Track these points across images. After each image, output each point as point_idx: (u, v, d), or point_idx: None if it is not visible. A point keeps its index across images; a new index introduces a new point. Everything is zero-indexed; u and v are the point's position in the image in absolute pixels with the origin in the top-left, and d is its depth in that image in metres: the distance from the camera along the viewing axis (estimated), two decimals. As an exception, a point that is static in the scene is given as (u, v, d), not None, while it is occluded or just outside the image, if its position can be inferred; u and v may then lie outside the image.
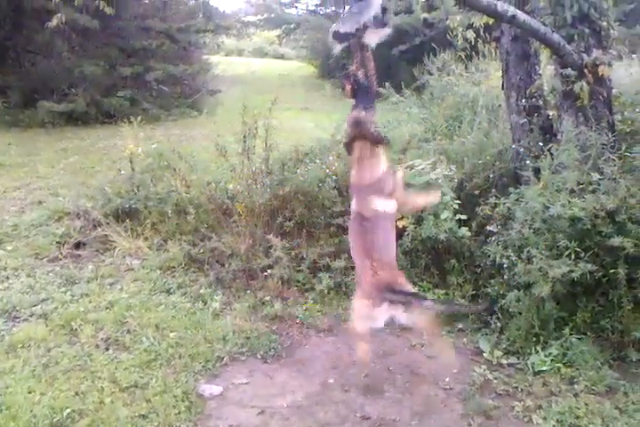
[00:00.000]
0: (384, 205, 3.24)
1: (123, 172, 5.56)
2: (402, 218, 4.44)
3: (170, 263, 4.68)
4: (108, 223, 5.10)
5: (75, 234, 5.12)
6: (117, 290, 4.32)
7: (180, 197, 5.13)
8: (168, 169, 5.41)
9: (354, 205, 3.34)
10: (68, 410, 2.95)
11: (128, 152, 5.53)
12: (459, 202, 4.33)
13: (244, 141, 4.89)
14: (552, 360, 3.37)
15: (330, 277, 4.35)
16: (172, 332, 3.75)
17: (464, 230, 4.19)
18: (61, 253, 4.86)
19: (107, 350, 3.58)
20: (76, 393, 3.12)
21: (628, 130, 4.55)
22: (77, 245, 5.05)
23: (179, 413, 3.01)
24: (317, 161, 5.13)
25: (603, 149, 4.01)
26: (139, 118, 5.91)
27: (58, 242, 5.03)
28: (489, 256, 3.94)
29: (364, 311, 3.11)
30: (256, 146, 4.96)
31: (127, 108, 9.58)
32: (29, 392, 3.11)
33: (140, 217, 5.16)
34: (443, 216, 4.24)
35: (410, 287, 3.23)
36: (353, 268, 4.34)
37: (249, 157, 4.92)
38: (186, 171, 5.26)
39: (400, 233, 4.37)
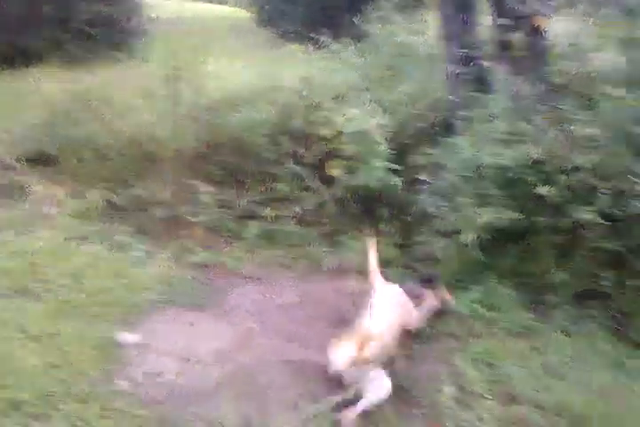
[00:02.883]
0: None
1: (39, 114, 5.18)
2: (334, 167, 4.36)
3: (88, 212, 4.44)
4: (22, 168, 4.78)
5: (-16, 179, 4.79)
6: (31, 238, 4.07)
7: (101, 143, 4.84)
8: (88, 112, 5.08)
9: None
10: (-28, 361, 2.76)
11: (46, 94, 5.15)
12: (391, 151, 4.27)
13: (172, 85, 4.63)
14: (474, 305, 3.41)
15: (258, 225, 4.24)
16: (88, 280, 3.56)
17: (396, 179, 4.15)
18: (-30, 200, 4.54)
19: (16, 299, 3.37)
20: (-18, 344, 2.93)
21: (560, 82, 4.56)
22: (-12, 192, 4.73)
23: (93, 361, 2.87)
24: (248, 107, 4.93)
25: (535, 100, 4.01)
26: (60, 59, 5.51)
27: (-34, 188, 4.69)
28: (419, 205, 3.93)
29: None
30: (185, 91, 4.70)
31: (50, 50, 8.93)
32: None
33: (56, 162, 4.86)
34: (375, 165, 4.18)
35: None
36: (282, 216, 4.28)
37: (176, 102, 4.68)
38: (108, 114, 4.96)
39: (332, 181, 4.30)
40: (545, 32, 4.33)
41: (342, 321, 3.36)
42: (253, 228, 4.22)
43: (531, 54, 4.26)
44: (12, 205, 4.55)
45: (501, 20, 4.13)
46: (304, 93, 4.86)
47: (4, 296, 3.38)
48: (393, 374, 2.79)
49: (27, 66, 8.73)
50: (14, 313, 3.20)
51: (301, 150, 4.45)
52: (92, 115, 4.99)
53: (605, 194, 3.26)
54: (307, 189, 4.34)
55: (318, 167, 4.44)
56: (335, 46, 7.20)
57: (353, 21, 8.26)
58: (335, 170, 4.34)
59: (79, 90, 5.40)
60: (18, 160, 4.85)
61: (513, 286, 3.49)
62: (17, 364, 2.77)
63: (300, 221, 4.30)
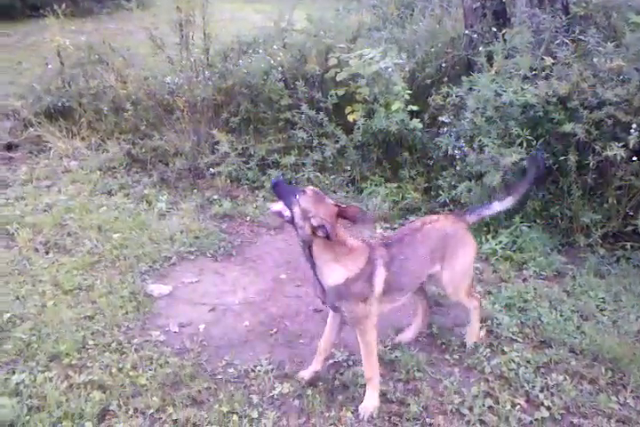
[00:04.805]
0: None
1: (50, 66, 5.10)
2: (352, 111, 4.27)
3: (110, 164, 4.43)
4: (40, 123, 4.76)
5: (4, 135, 4.77)
6: (55, 192, 4.09)
7: (115, 94, 4.78)
8: (101, 64, 5.00)
9: None
10: (8, 314, 2.83)
11: (55, 45, 5.04)
12: (410, 92, 4.16)
13: (181, 30, 4.49)
14: (502, 248, 3.40)
15: (280, 173, 4.21)
16: (115, 233, 3.60)
17: (416, 122, 4.05)
18: (-9, 156, 4.54)
19: (47, 253, 3.42)
20: (17, 297, 2.99)
21: (582, 13, 4.37)
22: (9, 147, 4.73)
23: (126, 313, 2.94)
24: (261, 52, 4.81)
25: (556, 32, 3.86)
26: (66, 9, 5.34)
27: (-13, 144, 4.69)
28: (441, 148, 3.86)
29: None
30: (195, 37, 4.57)
31: (55, 0, 8.71)
32: (-35, 298, 2.98)
33: (74, 116, 4.83)
34: (394, 107, 4.08)
35: None
36: (303, 164, 4.23)
37: (187, 48, 4.56)
38: (120, 65, 4.87)
39: (350, 127, 4.22)
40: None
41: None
42: (274, 176, 4.18)
43: (550, -16, 4.07)
44: (34, 160, 4.55)
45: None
46: (317, 35, 4.70)
47: (35, 251, 3.43)
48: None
49: (31, 16, 8.59)
50: (47, 267, 3.26)
51: (318, 95, 4.34)
52: (105, 66, 4.89)
53: (635, 129, 3.15)
54: (325, 135, 4.26)
55: (336, 112, 4.35)
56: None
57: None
58: (353, 114, 4.25)
59: (90, 41, 5.28)
60: (36, 115, 4.80)
61: (542, 228, 3.46)
62: (53, 317, 2.83)
63: (321, 168, 4.26)
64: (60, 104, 4.86)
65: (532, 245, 3.37)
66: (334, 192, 4.09)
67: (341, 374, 2.57)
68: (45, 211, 3.85)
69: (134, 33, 7.15)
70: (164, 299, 3.11)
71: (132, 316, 2.93)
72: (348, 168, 4.23)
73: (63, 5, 5.23)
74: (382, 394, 2.41)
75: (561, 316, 2.91)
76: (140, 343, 2.74)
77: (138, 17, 5.15)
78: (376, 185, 4.07)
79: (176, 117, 4.50)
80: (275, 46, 4.76)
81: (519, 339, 2.77)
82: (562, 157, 3.35)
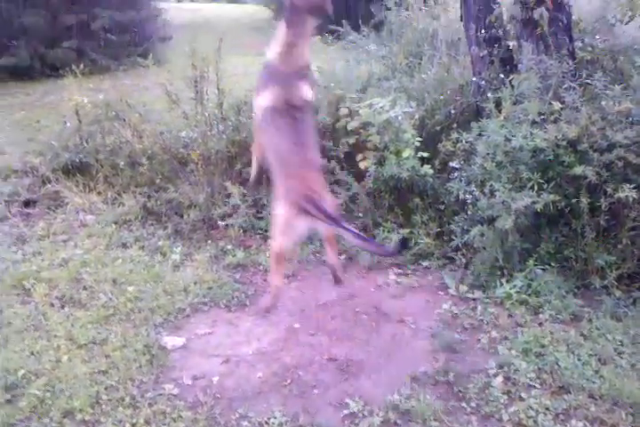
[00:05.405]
0: (311, 95, 2.99)
1: (68, 124, 5.26)
2: (363, 159, 4.33)
3: (125, 217, 4.49)
4: (57, 179, 4.86)
5: (23, 192, 4.88)
6: (71, 247, 4.14)
7: (132, 149, 4.89)
8: (118, 120, 5.14)
9: (275, 95, 2.96)
10: (23, 371, 2.83)
11: (73, 103, 5.21)
12: (420, 139, 4.22)
13: (196, 86, 4.64)
14: (517, 292, 3.36)
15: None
16: (130, 286, 3.61)
17: (427, 168, 4.09)
18: (10, 212, 4.62)
19: (62, 308, 3.44)
20: (31, 353, 2.99)
21: (588, 57, 4.44)
22: (27, 204, 4.81)
23: (140, 366, 2.92)
24: (273, 104, 4.92)
25: (564, 77, 3.92)
26: (84, 68, 5.53)
27: (6, 201, 4.78)
28: (452, 193, 3.87)
29: (284, 222, 2.91)
30: (209, 92, 4.71)
31: (74, 60, 8.93)
32: (-19, 355, 2.99)
33: (91, 171, 4.93)
34: (405, 155, 4.14)
35: (332, 206, 2.98)
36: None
37: (202, 103, 4.68)
38: (137, 121, 5.00)
39: (362, 174, 4.27)
40: (569, 6, 4.22)
41: (383, 316, 3.37)
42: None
43: (555, 31, 4.16)
44: (51, 216, 4.63)
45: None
46: (327, 87, 4.82)
47: (51, 306, 3.45)
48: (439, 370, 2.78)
49: (50, 76, 8.92)
50: (62, 322, 3.27)
51: (329, 144, 4.41)
52: (121, 122, 5.03)
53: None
54: (337, 182, 4.31)
55: (347, 160, 4.41)
56: (354, 36, 7.17)
57: (371, 11, 8.24)
58: (364, 162, 4.30)
59: (107, 98, 5.46)
60: (54, 171, 4.92)
61: (556, 271, 3.41)
62: (67, 372, 2.83)
63: (333, 215, 4.27)
64: (77, 160, 4.97)
65: (547, 289, 3.32)
66: (345, 239, 4.09)
67: (357, 425, 2.51)
68: (61, 265, 3.89)
69: (150, 89, 7.40)
70: (178, 351, 3.10)
71: (146, 369, 2.91)
72: (361, 215, 4.25)
73: (81, 65, 5.41)
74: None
75: (579, 360, 2.84)
76: (154, 397, 2.71)
77: (153, 73, 5.32)
78: (389, 231, 4.08)
79: (190, 170, 4.58)
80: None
81: (537, 385, 2.70)
82: (574, 200, 3.35)
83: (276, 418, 2.56)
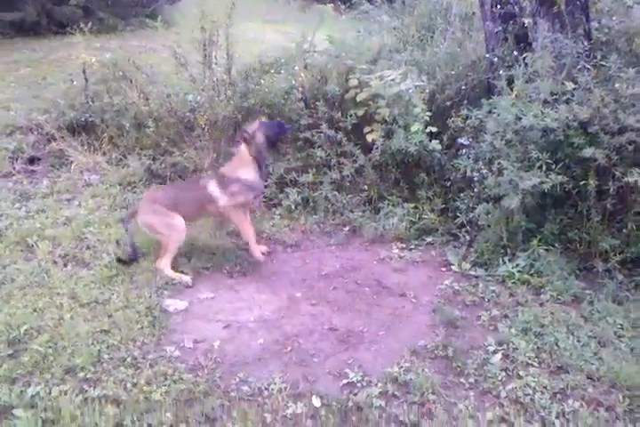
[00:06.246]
0: None
1: (75, 82, 5.20)
2: (371, 131, 4.30)
3: (130, 179, 4.48)
4: (62, 137, 4.84)
5: (28, 149, 4.86)
6: (75, 206, 4.14)
7: (138, 110, 4.85)
8: (124, 80, 5.08)
9: None
10: (26, 326, 2.86)
11: (81, 62, 5.14)
12: (430, 114, 4.17)
13: (205, 49, 4.56)
14: (519, 271, 3.38)
15: (297, 191, 4.23)
16: (133, 248, 3.62)
17: (435, 143, 4.06)
18: (14, 169, 4.61)
19: (65, 266, 3.46)
20: (34, 310, 3.02)
21: (604, 39, 4.36)
22: (31, 161, 4.80)
23: (142, 327, 2.95)
24: (282, 72, 4.86)
25: (578, 57, 3.85)
26: (91, 26, 5.44)
27: (10, 157, 4.77)
28: (459, 169, 3.86)
29: None
30: (217, 56, 4.64)
31: (81, 18, 8.83)
32: (-17, 309, 3.01)
33: (96, 131, 4.90)
34: (413, 129, 4.09)
35: None
36: (321, 183, 4.25)
37: (210, 67, 4.62)
38: (143, 82, 4.94)
39: (369, 147, 4.25)
40: (587, -15, 4.14)
41: (385, 289, 3.39)
42: (292, 195, 4.21)
43: (572, 10, 4.08)
44: (55, 174, 4.61)
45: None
46: (338, 56, 4.75)
47: (54, 263, 3.47)
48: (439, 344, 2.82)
49: (57, 33, 8.77)
50: (65, 280, 3.29)
51: (337, 115, 4.37)
52: (128, 83, 4.97)
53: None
54: (344, 154, 4.28)
55: (355, 132, 4.37)
56: (366, 6, 7.04)
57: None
58: (372, 135, 4.27)
59: (114, 58, 5.38)
60: (59, 129, 4.88)
61: (560, 252, 3.42)
62: (70, 330, 2.85)
63: (339, 187, 4.27)
64: (82, 119, 4.93)
65: (549, 269, 3.34)
66: (351, 211, 4.09)
67: (355, 394, 2.55)
68: (65, 224, 3.90)
69: (158, 51, 7.30)
70: (180, 314, 3.12)
71: (148, 331, 2.94)
72: (366, 188, 4.24)
73: (90, 24, 5.32)
74: (395, 416, 2.39)
75: (578, 341, 2.86)
76: (155, 359, 2.74)
77: (161, 35, 5.23)
78: (393, 205, 4.07)
79: (196, 134, 4.55)
80: (296, 67, 4.81)
81: (535, 364, 2.73)
82: (581, 182, 3.34)
83: (275, 384, 2.59)
